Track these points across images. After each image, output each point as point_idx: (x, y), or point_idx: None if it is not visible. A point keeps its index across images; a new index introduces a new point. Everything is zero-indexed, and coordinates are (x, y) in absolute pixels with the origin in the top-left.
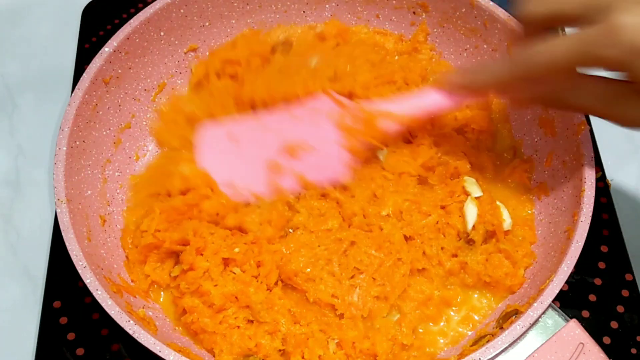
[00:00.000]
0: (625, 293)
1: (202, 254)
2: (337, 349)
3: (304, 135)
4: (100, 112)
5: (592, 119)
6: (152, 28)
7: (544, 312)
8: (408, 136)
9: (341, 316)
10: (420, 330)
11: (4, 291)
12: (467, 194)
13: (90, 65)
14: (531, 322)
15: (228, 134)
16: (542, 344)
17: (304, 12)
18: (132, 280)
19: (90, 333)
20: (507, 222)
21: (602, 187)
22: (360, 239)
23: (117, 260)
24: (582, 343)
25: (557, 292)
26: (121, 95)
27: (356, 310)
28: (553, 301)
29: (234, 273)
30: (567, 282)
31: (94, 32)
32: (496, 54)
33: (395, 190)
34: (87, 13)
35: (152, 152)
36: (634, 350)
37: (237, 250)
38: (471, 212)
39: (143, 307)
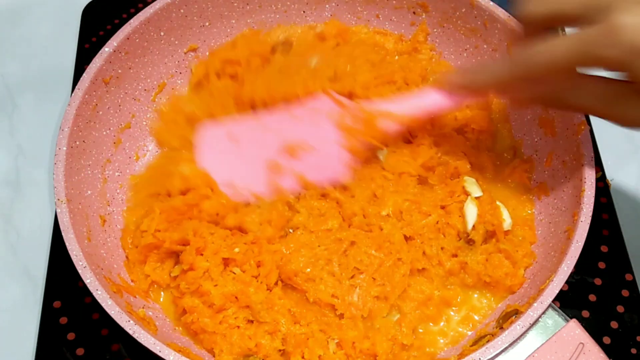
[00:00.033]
0: (625, 293)
1: (202, 254)
2: (337, 349)
3: (303, 135)
4: (100, 112)
5: (592, 119)
6: (152, 28)
7: (544, 312)
8: (408, 136)
9: (341, 316)
10: (420, 330)
11: (4, 291)
12: (467, 194)
13: (90, 65)
14: (531, 322)
15: (228, 134)
16: (542, 344)
17: (304, 12)
18: (132, 280)
19: (90, 333)
20: (507, 222)
21: (602, 187)
22: (360, 239)
23: (117, 260)
24: (582, 343)
25: (557, 292)
26: (121, 95)
27: (356, 310)
28: (553, 301)
29: (234, 273)
30: (567, 282)
31: (94, 32)
32: (496, 54)
33: (395, 190)
34: (87, 13)
35: (152, 152)
36: (634, 350)
37: (237, 250)
38: (471, 212)
39: (143, 307)
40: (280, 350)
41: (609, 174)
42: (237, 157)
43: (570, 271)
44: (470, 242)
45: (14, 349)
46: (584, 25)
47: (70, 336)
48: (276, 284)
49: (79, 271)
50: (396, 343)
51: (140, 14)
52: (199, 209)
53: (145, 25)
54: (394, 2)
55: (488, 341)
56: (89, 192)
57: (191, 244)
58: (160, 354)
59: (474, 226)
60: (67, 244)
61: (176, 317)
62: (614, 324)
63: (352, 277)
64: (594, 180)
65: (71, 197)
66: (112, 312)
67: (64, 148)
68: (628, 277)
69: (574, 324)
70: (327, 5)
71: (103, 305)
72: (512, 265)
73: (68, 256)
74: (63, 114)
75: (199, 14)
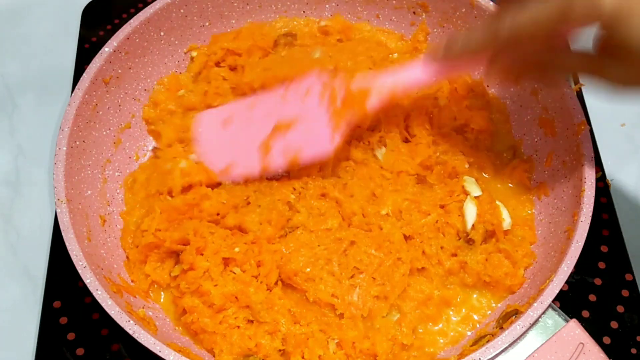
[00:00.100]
0: (625, 293)
1: (202, 254)
2: (337, 349)
3: (291, 112)
4: (100, 112)
5: (592, 119)
6: (152, 28)
7: (544, 312)
8: (406, 135)
9: (341, 316)
10: (420, 330)
11: (4, 291)
12: (466, 193)
13: (90, 65)
14: (531, 322)
15: (222, 119)
16: (542, 344)
17: (304, 12)
18: (132, 280)
19: (90, 333)
20: (506, 221)
21: (602, 187)
22: (360, 239)
23: (117, 260)
24: (582, 343)
25: (557, 292)
26: (121, 95)
27: (356, 310)
28: (553, 301)
29: (234, 273)
30: (567, 282)
31: (94, 32)
32: None
33: (395, 189)
34: (87, 13)
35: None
36: (634, 350)
37: (237, 250)
38: (470, 212)
39: (143, 307)
40: (280, 350)
41: (609, 174)
42: (231, 140)
43: (570, 271)
44: (469, 241)
45: (14, 349)
46: None
47: (70, 336)
48: (276, 283)
49: (79, 271)
50: (396, 343)
51: (140, 14)
52: (200, 209)
53: (145, 25)
54: (394, 2)
55: (488, 341)
56: (89, 192)
57: (191, 243)
58: (160, 354)
59: (473, 225)
60: (67, 244)
61: (176, 317)
62: (614, 324)
63: (352, 276)
64: (594, 180)
65: (71, 197)
66: (112, 312)
67: (64, 148)
68: (628, 277)
69: (574, 324)
70: (327, 5)
71: (103, 305)
72: (512, 265)
73: (68, 256)
74: (63, 114)
75: (199, 14)
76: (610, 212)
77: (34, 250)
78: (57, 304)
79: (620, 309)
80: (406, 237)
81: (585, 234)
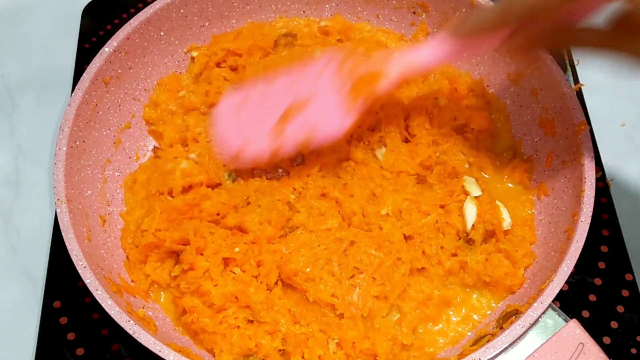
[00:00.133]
0: (625, 293)
1: (202, 254)
2: (337, 349)
3: (305, 93)
4: (100, 112)
5: (592, 119)
6: (152, 28)
7: (544, 312)
8: (406, 135)
9: (341, 316)
10: (420, 330)
11: (4, 291)
12: (466, 193)
13: (90, 65)
14: (531, 322)
15: (237, 102)
16: (542, 344)
17: (304, 12)
18: (132, 280)
19: (90, 333)
20: (506, 221)
21: (602, 187)
22: (359, 239)
23: (117, 260)
24: (582, 343)
25: (557, 292)
26: (121, 95)
27: (356, 310)
28: (553, 301)
29: (234, 273)
30: (567, 282)
31: (94, 32)
32: (496, 54)
33: (395, 189)
34: (87, 13)
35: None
36: (634, 350)
37: (237, 250)
38: (470, 212)
39: (143, 307)
40: (280, 350)
41: (609, 174)
42: (244, 123)
43: (570, 271)
44: (469, 241)
45: (14, 349)
46: None
47: (70, 336)
48: (276, 283)
49: (79, 271)
50: (396, 343)
51: (140, 14)
52: (200, 209)
53: (145, 25)
54: (394, 2)
55: (488, 341)
56: (89, 192)
57: (191, 243)
58: (160, 354)
59: (473, 225)
60: (67, 244)
61: (176, 317)
62: (614, 324)
63: (352, 276)
64: (594, 180)
65: (71, 197)
66: (112, 312)
67: (64, 148)
68: (628, 277)
69: (574, 324)
70: (327, 5)
71: (103, 305)
72: (512, 265)
73: (68, 256)
74: (63, 114)
75: (199, 14)
76: (610, 212)
77: (34, 250)
78: (57, 304)
79: (620, 309)
80: (406, 237)
81: (585, 234)
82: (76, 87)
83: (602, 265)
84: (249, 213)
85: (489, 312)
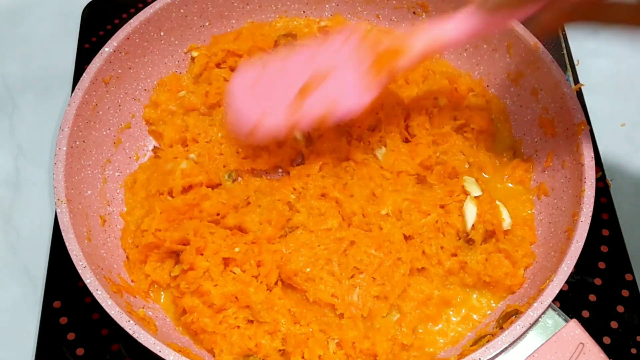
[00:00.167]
0: (625, 293)
1: (202, 254)
2: (337, 349)
3: (325, 66)
4: (100, 112)
5: (592, 119)
6: (152, 28)
7: (544, 312)
8: (406, 135)
9: (341, 316)
10: (420, 330)
11: (4, 291)
12: (466, 193)
13: (90, 65)
14: (531, 322)
15: (254, 75)
16: (542, 344)
17: (304, 12)
18: (132, 280)
19: (90, 333)
20: (506, 221)
21: (602, 187)
22: (359, 239)
23: (117, 260)
24: (582, 343)
25: (557, 292)
26: (121, 95)
27: (356, 310)
28: (553, 301)
29: (234, 273)
30: (567, 282)
31: (94, 32)
32: (496, 54)
33: (395, 189)
34: (87, 13)
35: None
36: (634, 350)
37: (237, 250)
38: (470, 212)
39: (143, 307)
40: (280, 350)
41: (609, 174)
42: (262, 96)
43: (570, 271)
44: (469, 241)
45: (14, 349)
46: None
47: (70, 336)
48: (276, 283)
49: (79, 271)
50: (396, 343)
51: (140, 14)
52: (200, 209)
53: (145, 25)
54: (394, 2)
55: (488, 341)
56: (89, 192)
57: (191, 243)
58: (160, 354)
59: (473, 225)
60: (67, 244)
61: (176, 317)
62: (614, 324)
63: (352, 276)
64: (594, 180)
65: (71, 197)
66: (112, 312)
67: (64, 148)
68: (628, 277)
69: (574, 324)
70: (327, 5)
71: (103, 305)
72: (512, 265)
73: (68, 256)
74: (63, 114)
75: (199, 14)
76: (610, 212)
77: (34, 250)
78: (57, 304)
79: (620, 309)
80: (406, 237)
81: (585, 234)
82: (76, 87)
83: (602, 265)
84: (249, 213)
85: (489, 312)
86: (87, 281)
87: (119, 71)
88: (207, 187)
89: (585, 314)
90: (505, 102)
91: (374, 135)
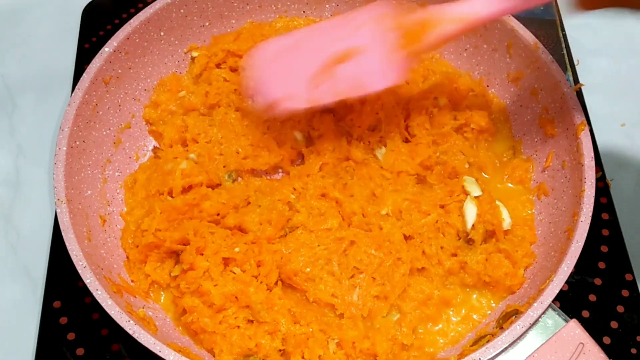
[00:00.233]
0: (625, 293)
1: (202, 254)
2: (337, 349)
3: (355, 39)
4: (100, 112)
5: (592, 119)
6: (152, 28)
7: (544, 312)
8: (406, 135)
9: (341, 316)
10: (420, 330)
11: (4, 291)
12: (466, 193)
13: (90, 65)
14: (531, 322)
15: (276, 49)
16: (542, 344)
17: (304, 12)
18: (132, 280)
19: (90, 333)
20: (506, 221)
21: (602, 187)
22: (359, 239)
23: (117, 260)
24: (582, 343)
25: (557, 292)
26: (121, 95)
27: (356, 310)
28: (553, 301)
29: (234, 273)
30: (567, 282)
31: (94, 32)
32: (496, 54)
33: (395, 189)
34: (87, 13)
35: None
36: (634, 350)
37: (237, 250)
38: (470, 212)
39: (143, 307)
40: (280, 350)
41: (609, 174)
42: (285, 70)
43: (570, 271)
44: (469, 241)
45: (14, 349)
46: None
47: (70, 336)
48: (276, 283)
49: (79, 271)
50: (396, 343)
51: (140, 14)
52: (200, 209)
53: (145, 25)
54: (394, 2)
55: (488, 341)
56: (89, 192)
57: (191, 243)
58: (160, 354)
59: (473, 225)
60: (67, 244)
61: (176, 317)
62: (614, 324)
63: (351, 276)
64: (594, 180)
65: (71, 197)
66: (112, 312)
67: (64, 148)
68: (628, 277)
69: (574, 324)
70: (327, 5)
71: (103, 305)
72: (512, 265)
73: (68, 256)
74: (63, 114)
75: (199, 14)
76: (610, 212)
77: (34, 250)
78: (57, 304)
79: (620, 309)
80: (406, 237)
81: (585, 234)
82: (76, 87)
83: (602, 265)
84: (249, 213)
85: (489, 312)
86: (87, 281)
87: (119, 71)
88: (207, 187)
89: (585, 314)
90: (505, 102)
91: (374, 135)
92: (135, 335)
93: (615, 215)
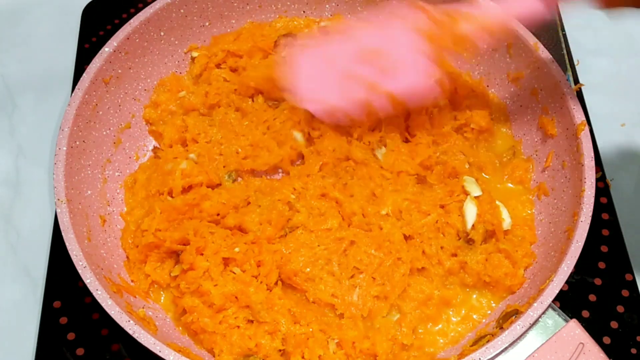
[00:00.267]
0: (625, 293)
1: (202, 254)
2: (337, 349)
3: (386, 43)
4: (100, 112)
5: (592, 119)
6: (152, 28)
7: (544, 312)
8: (407, 135)
9: (341, 316)
10: (420, 330)
11: (4, 291)
12: (466, 193)
13: (90, 65)
14: (531, 322)
15: (317, 52)
16: (542, 344)
17: (304, 12)
18: (132, 280)
19: (90, 333)
20: (506, 221)
21: (602, 187)
22: (359, 239)
23: (117, 260)
24: (582, 343)
25: (557, 292)
26: (121, 95)
27: (356, 310)
28: (553, 301)
29: (234, 273)
30: (567, 282)
31: (94, 32)
32: (496, 54)
33: (395, 189)
34: (87, 13)
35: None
36: (634, 350)
37: (237, 250)
38: (470, 212)
39: (143, 307)
40: (280, 350)
41: (609, 174)
42: (326, 73)
43: (570, 271)
44: (469, 241)
45: (14, 349)
46: None
47: (70, 336)
48: (276, 283)
49: (79, 271)
50: (396, 343)
51: (140, 14)
52: (200, 209)
53: (145, 25)
54: (394, 2)
55: (488, 341)
56: (89, 192)
57: (191, 243)
58: (160, 354)
59: (473, 225)
60: (67, 244)
61: (176, 317)
62: (614, 324)
63: (352, 276)
64: (594, 180)
65: (71, 197)
66: (112, 312)
67: (64, 148)
68: (628, 277)
69: (574, 324)
70: (327, 5)
71: (103, 305)
72: (512, 265)
73: (68, 256)
74: (63, 114)
75: (199, 14)
76: (610, 212)
77: (34, 250)
78: (57, 304)
79: (620, 309)
80: (406, 237)
81: (585, 234)
82: (76, 87)
83: (602, 265)
84: (249, 213)
85: (489, 312)
86: (87, 281)
87: (119, 71)
88: (207, 187)
89: (585, 314)
90: (505, 102)
91: (374, 135)
92: (135, 335)
93: (615, 215)
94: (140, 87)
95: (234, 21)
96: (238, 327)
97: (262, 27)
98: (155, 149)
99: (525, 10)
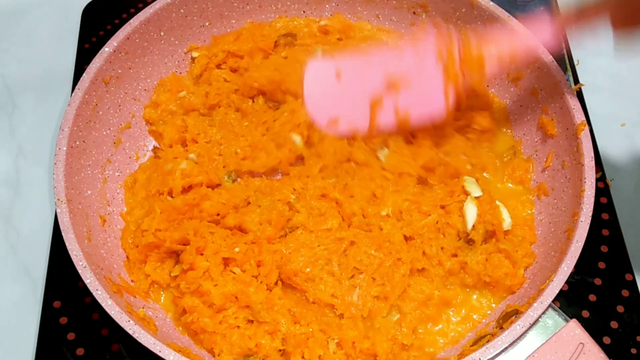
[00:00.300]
0: (625, 293)
1: (202, 254)
2: (337, 349)
3: (406, 69)
4: (100, 112)
5: (592, 119)
6: (152, 28)
7: (544, 312)
8: (409, 136)
9: (341, 316)
10: (420, 330)
11: (4, 291)
12: (466, 193)
13: (90, 65)
14: (531, 322)
15: (333, 70)
16: (542, 344)
17: (304, 12)
18: (132, 280)
19: (90, 333)
20: (506, 222)
21: (602, 187)
22: (360, 239)
23: (117, 260)
24: (582, 343)
25: (557, 292)
26: (121, 95)
27: (356, 310)
28: (553, 301)
29: (234, 273)
30: (567, 282)
31: (94, 32)
32: None
33: (395, 190)
34: (87, 13)
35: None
36: (634, 350)
37: (237, 250)
38: (471, 212)
39: (143, 307)
40: (280, 350)
41: (609, 174)
42: (342, 93)
43: (570, 271)
44: (470, 242)
45: (14, 349)
46: None
47: (70, 336)
48: (276, 283)
49: (79, 271)
50: (396, 343)
51: (140, 14)
52: (200, 209)
53: (145, 25)
54: (394, 2)
55: (488, 341)
56: (89, 192)
57: (191, 243)
58: (160, 354)
59: (473, 226)
60: (67, 244)
61: (176, 317)
62: (614, 324)
63: (351, 277)
64: (594, 180)
65: (71, 197)
66: (112, 312)
67: (64, 148)
68: (628, 277)
69: (574, 324)
70: (327, 5)
71: (103, 305)
72: (512, 265)
73: (68, 256)
74: (63, 114)
75: (199, 14)
76: (610, 212)
77: (34, 250)
78: (57, 304)
79: (620, 309)
80: (406, 238)
81: (585, 234)
82: (76, 87)
83: (602, 265)
84: (249, 213)
85: (489, 312)
86: (87, 281)
87: (119, 71)
88: (207, 187)
89: (585, 314)
90: (505, 102)
91: (376, 137)
92: (135, 335)
93: (615, 215)
94: (140, 87)
95: (234, 21)
96: (238, 327)
97: (262, 27)
98: (155, 149)
99: (542, 43)
